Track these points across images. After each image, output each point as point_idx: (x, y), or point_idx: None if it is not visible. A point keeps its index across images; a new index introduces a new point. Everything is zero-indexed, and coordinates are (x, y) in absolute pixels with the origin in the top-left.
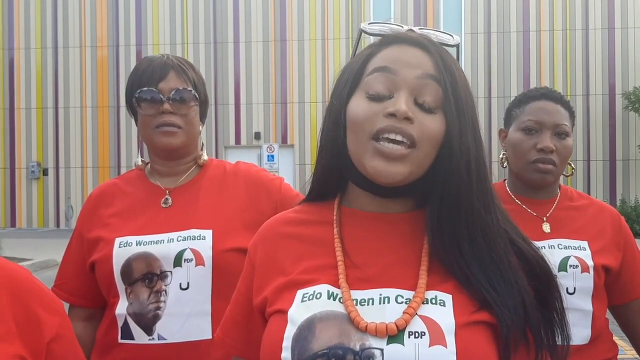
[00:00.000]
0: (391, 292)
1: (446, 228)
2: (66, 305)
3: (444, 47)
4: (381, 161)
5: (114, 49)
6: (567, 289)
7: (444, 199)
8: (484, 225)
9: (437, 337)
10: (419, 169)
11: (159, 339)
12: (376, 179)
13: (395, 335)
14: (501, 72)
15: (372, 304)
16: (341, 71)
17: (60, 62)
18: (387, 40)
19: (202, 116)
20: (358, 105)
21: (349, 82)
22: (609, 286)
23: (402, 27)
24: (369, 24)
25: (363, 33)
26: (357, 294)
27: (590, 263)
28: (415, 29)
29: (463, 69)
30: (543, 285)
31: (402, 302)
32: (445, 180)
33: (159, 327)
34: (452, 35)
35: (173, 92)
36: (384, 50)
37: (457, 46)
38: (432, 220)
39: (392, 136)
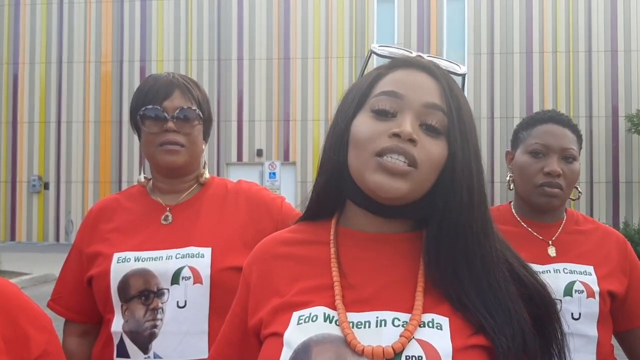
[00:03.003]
0: (388, 315)
1: (443, 253)
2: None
3: (451, 74)
4: (383, 176)
5: (118, 64)
6: (572, 314)
7: (444, 223)
8: (483, 251)
9: None
10: (419, 189)
11: (154, 358)
12: (377, 193)
13: (392, 359)
14: (504, 93)
15: (369, 326)
16: (348, 90)
17: (64, 76)
18: (396, 63)
19: (206, 135)
20: (363, 123)
21: (355, 101)
22: (614, 312)
23: (411, 52)
24: (380, 46)
25: (373, 54)
26: (354, 317)
27: (596, 288)
28: (424, 55)
29: (466, 89)
30: (542, 313)
31: (398, 325)
32: (445, 204)
33: (155, 346)
34: (459, 65)
35: (177, 111)
36: (392, 73)
37: (463, 76)
38: (429, 243)
39: (394, 156)
